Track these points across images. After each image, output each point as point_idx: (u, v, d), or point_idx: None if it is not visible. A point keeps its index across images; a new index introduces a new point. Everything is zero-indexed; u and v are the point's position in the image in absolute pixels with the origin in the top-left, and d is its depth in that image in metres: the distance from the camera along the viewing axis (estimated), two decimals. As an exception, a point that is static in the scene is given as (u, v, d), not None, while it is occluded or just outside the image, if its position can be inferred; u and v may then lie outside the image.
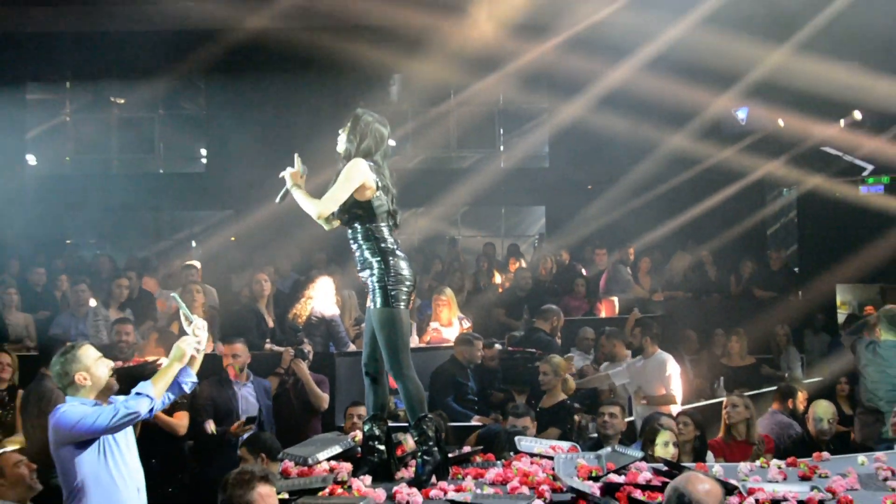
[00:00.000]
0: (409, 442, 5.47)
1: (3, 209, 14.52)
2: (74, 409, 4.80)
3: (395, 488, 4.94)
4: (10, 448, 6.29)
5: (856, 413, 8.03)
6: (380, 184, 5.25)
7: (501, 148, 19.27)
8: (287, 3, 13.75)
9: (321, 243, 12.47)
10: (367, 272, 5.29)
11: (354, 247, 5.34)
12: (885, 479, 5.23)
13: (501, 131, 19.38)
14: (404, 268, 5.28)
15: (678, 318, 12.10)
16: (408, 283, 5.29)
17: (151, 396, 4.90)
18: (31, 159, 18.31)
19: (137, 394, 4.87)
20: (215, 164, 18.36)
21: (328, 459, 5.40)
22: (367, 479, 5.12)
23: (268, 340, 9.31)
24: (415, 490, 4.92)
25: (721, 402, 8.10)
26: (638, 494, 4.78)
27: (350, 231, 5.34)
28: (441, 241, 17.58)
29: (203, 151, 19.13)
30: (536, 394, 8.48)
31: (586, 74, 14.28)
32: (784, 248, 15.56)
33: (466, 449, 5.81)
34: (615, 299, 12.53)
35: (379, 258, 5.25)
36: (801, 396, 8.68)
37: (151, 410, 4.95)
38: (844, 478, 5.11)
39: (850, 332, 8.72)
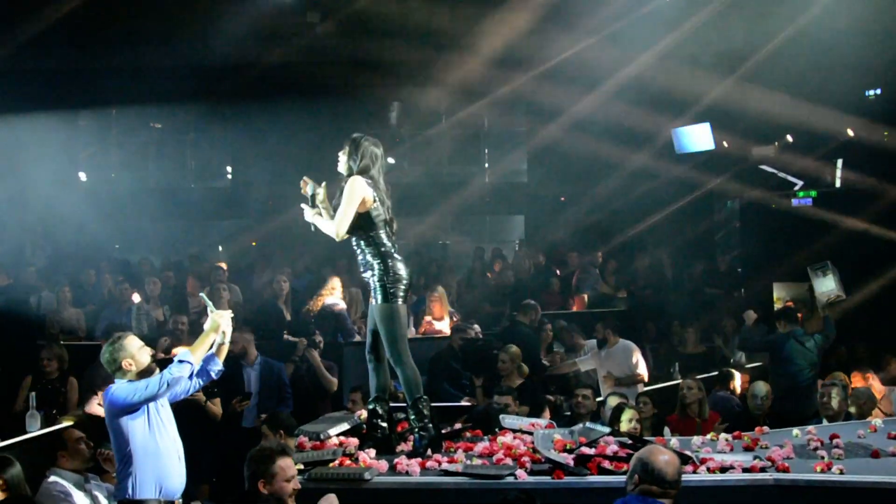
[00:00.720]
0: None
1: (59, 219, 14.44)
2: (124, 386, 4.77)
3: (396, 460, 4.93)
4: (69, 423, 6.23)
5: (780, 395, 8.00)
6: (377, 197, 5.22)
7: (486, 165, 19.24)
8: (300, 42, 13.74)
9: (331, 247, 12.43)
10: (369, 273, 5.27)
11: (358, 251, 5.32)
12: (815, 449, 5.25)
13: (486, 151, 19.34)
14: (401, 268, 5.26)
15: (640, 312, 12.07)
16: (404, 281, 5.27)
17: (191, 362, 4.87)
18: (82, 176, 18.19)
19: (180, 361, 4.84)
20: (238, 179, 18.40)
21: (338, 435, 5.39)
22: (372, 451, 5.11)
23: (285, 332, 9.27)
24: (413, 461, 4.90)
25: (677, 385, 8.10)
26: (606, 464, 4.77)
27: (354, 238, 5.31)
28: (434, 245, 17.54)
29: (228, 169, 19.11)
30: (493, 379, 8.10)
31: (560, 102, 14.26)
32: (729, 252, 15.54)
33: (458, 426, 5.79)
34: (585, 296, 12.55)
35: (379, 260, 5.23)
36: (743, 378, 8.72)
37: (191, 375, 4.91)
38: (782, 448, 5.12)
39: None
